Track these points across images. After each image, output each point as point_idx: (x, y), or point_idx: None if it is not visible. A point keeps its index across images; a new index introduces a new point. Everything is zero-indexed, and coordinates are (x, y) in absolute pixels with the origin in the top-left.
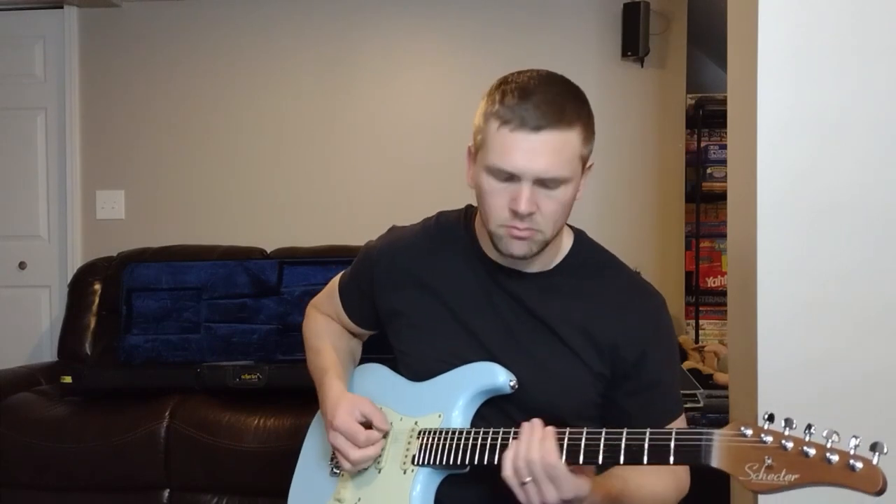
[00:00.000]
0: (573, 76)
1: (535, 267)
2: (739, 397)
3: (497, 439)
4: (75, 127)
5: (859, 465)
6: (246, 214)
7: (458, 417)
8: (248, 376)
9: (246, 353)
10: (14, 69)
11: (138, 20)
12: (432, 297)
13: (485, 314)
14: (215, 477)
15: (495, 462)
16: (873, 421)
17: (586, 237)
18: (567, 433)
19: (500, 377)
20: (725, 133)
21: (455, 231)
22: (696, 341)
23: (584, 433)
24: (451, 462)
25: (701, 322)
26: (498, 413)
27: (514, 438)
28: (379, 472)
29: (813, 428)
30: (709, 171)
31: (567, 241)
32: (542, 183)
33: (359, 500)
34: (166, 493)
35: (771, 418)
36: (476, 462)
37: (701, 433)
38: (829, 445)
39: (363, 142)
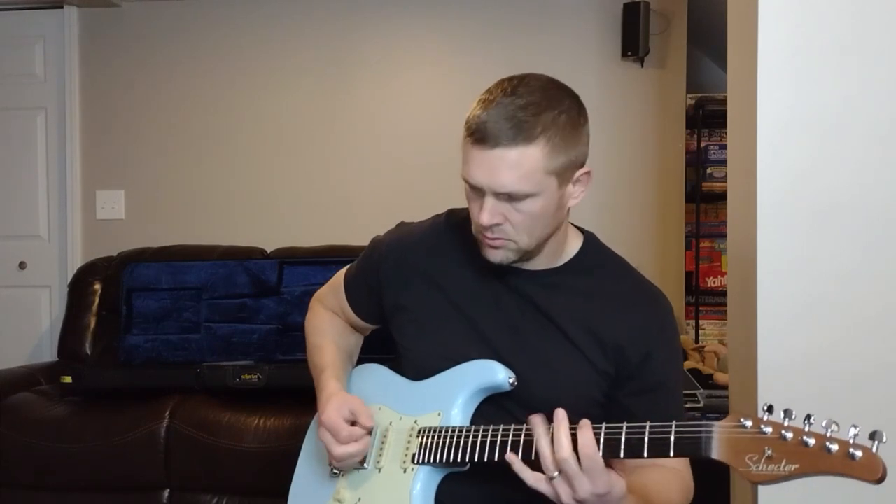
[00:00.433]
0: (573, 76)
1: (540, 265)
2: (739, 397)
3: (497, 437)
4: (75, 127)
5: (859, 453)
6: (246, 214)
7: (458, 415)
8: (248, 376)
9: (246, 353)
10: (14, 69)
11: (138, 20)
12: (438, 293)
13: (490, 311)
14: (215, 477)
15: (495, 459)
16: (873, 421)
17: (596, 240)
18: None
19: (499, 374)
20: (725, 133)
21: (463, 229)
22: (696, 341)
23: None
24: (451, 460)
25: (701, 322)
26: (499, 410)
27: (514, 435)
28: (379, 471)
29: (812, 418)
30: (709, 171)
31: (576, 243)
32: (507, 196)
33: (359, 499)
34: (166, 493)
35: (770, 409)
36: (476, 460)
37: (700, 425)
38: (828, 435)
39: (363, 142)
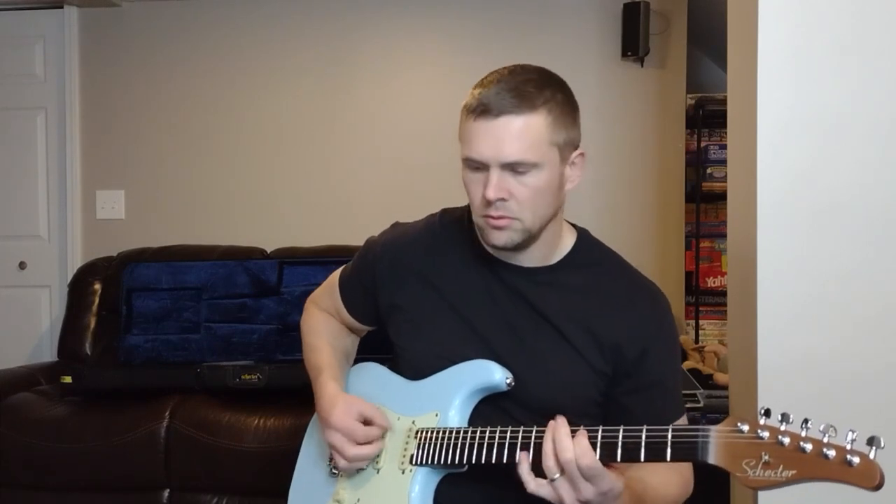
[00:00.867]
0: (573, 76)
1: (535, 262)
2: (739, 397)
3: (495, 438)
4: (75, 127)
5: (856, 460)
6: (246, 214)
7: (455, 416)
8: (248, 376)
9: (246, 353)
10: (14, 69)
11: (138, 20)
12: (434, 293)
13: (487, 311)
14: (215, 477)
15: (493, 461)
16: (873, 421)
17: (590, 236)
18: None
19: (496, 375)
20: (725, 133)
21: (458, 228)
22: (696, 341)
23: (582, 429)
24: (449, 461)
25: (701, 322)
26: (497, 410)
27: (512, 436)
28: (377, 472)
29: (810, 423)
30: (709, 171)
31: (570, 239)
32: (511, 168)
33: (358, 500)
34: (166, 493)
35: (767, 413)
36: (474, 461)
37: (697, 430)
38: (826, 440)
39: (363, 142)
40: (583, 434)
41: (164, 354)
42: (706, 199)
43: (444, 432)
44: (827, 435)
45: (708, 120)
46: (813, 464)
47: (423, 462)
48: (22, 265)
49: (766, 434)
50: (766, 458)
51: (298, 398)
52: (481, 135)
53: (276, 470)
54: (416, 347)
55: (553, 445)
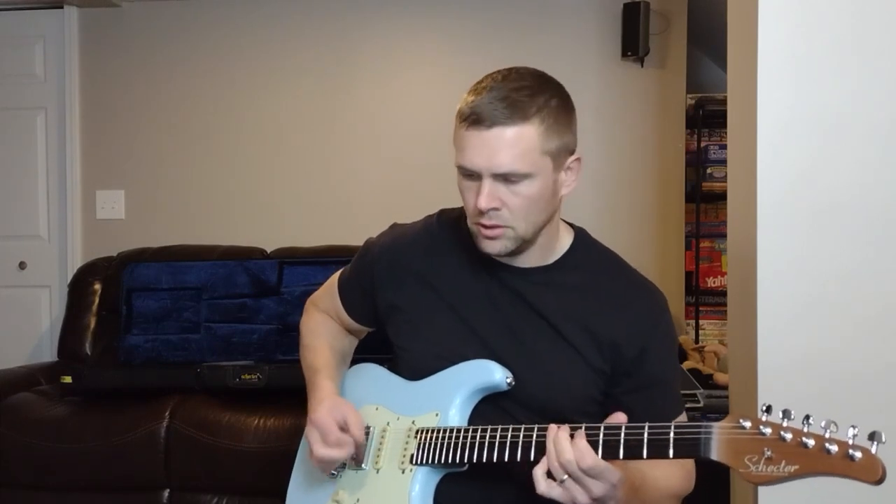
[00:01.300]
0: (573, 76)
1: (532, 262)
2: (739, 397)
3: (495, 437)
4: (75, 127)
5: (858, 454)
6: (246, 214)
7: (456, 416)
8: (248, 376)
9: (246, 353)
10: (14, 69)
11: (138, 20)
12: (433, 294)
13: (485, 311)
14: (215, 477)
15: (494, 460)
16: (873, 421)
17: (587, 235)
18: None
19: (496, 374)
20: (725, 133)
21: (456, 229)
22: (696, 341)
23: (583, 428)
24: (449, 461)
25: (701, 322)
26: (496, 410)
27: (513, 436)
28: (377, 472)
29: (811, 419)
30: (709, 171)
31: (567, 239)
32: (503, 178)
33: (357, 500)
34: (166, 493)
35: (769, 410)
36: (475, 460)
37: (700, 426)
38: (827, 436)
39: (363, 142)
40: (580, 435)
41: (164, 354)
42: (706, 199)
43: (444, 432)
44: (829, 430)
45: (708, 120)
46: (815, 459)
47: (424, 462)
48: (22, 265)
49: (768, 430)
50: (769, 453)
51: (298, 398)
52: (473, 144)
53: (276, 470)
54: (415, 348)
55: (554, 448)
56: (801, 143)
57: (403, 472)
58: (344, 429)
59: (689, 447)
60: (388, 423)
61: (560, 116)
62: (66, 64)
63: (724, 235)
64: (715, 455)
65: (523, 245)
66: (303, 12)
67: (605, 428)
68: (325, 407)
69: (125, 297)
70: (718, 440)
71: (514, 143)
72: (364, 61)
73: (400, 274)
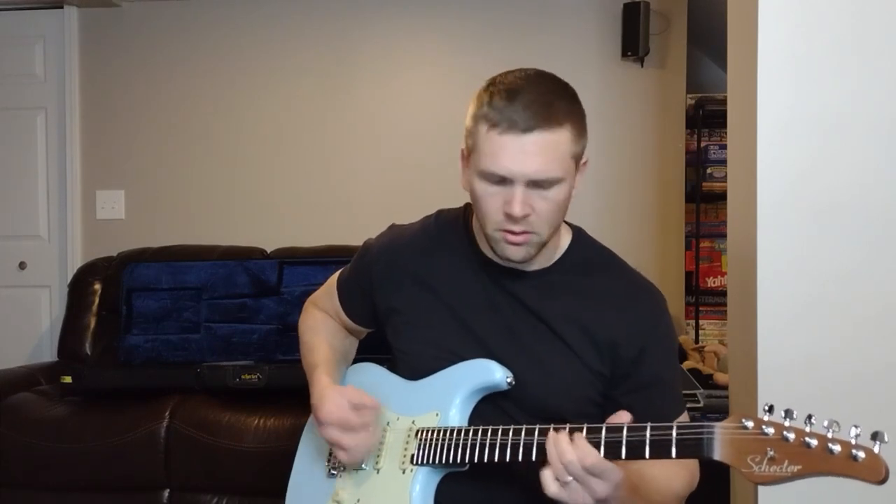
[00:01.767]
0: (573, 76)
1: (533, 265)
2: (740, 397)
3: (496, 437)
4: (75, 127)
5: (862, 454)
6: (246, 214)
7: (456, 416)
8: (248, 376)
9: (246, 353)
10: (14, 69)
11: (138, 20)
12: (431, 295)
13: (484, 313)
14: (215, 477)
15: (496, 460)
16: (874, 421)
17: (585, 234)
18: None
19: (496, 374)
20: (725, 133)
21: (454, 230)
22: (696, 341)
23: (584, 429)
24: (450, 461)
25: (701, 322)
26: (496, 410)
27: (514, 436)
28: (377, 472)
29: (813, 418)
30: (709, 171)
31: (565, 239)
32: (536, 184)
33: (358, 500)
34: (166, 493)
35: (771, 409)
36: (476, 460)
37: (702, 426)
38: (830, 436)
39: (363, 142)
40: (580, 436)
41: (164, 354)
42: (706, 199)
43: (445, 432)
44: (831, 430)
45: (708, 120)
46: (818, 459)
47: (424, 462)
48: (22, 265)
49: (771, 430)
50: (772, 453)
51: (298, 398)
52: (507, 150)
53: (276, 470)
54: (414, 349)
55: (555, 450)
56: (801, 143)
57: (404, 472)
58: (357, 408)
59: (692, 447)
60: (388, 423)
61: (582, 119)
62: (66, 64)
63: (724, 235)
64: (717, 455)
65: (539, 250)
66: (303, 12)
67: (607, 429)
68: (330, 401)
69: (125, 297)
70: (721, 440)
71: (551, 148)
72: (364, 61)
73: (398, 275)
